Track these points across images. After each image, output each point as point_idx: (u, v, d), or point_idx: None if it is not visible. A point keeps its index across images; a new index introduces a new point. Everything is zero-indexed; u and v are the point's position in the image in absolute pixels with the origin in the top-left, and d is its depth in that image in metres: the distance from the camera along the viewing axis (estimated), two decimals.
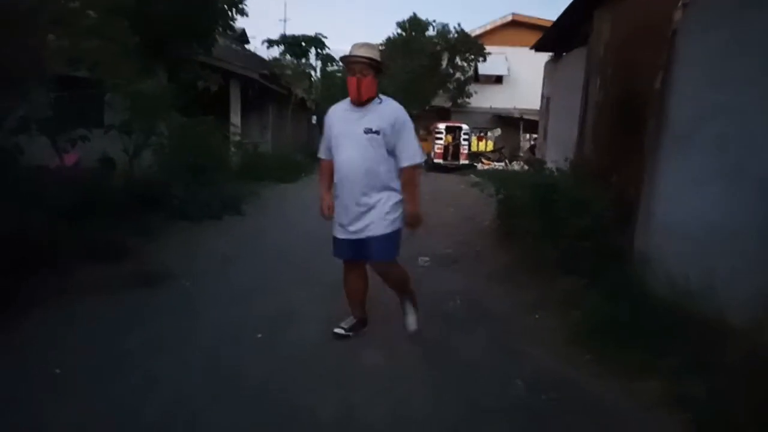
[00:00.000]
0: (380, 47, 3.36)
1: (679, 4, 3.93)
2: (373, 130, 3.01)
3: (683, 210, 3.72)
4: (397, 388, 2.77)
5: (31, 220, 3.80)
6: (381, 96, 3.13)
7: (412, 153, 3.09)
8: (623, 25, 5.16)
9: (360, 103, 3.06)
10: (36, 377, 2.71)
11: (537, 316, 3.86)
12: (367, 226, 3.06)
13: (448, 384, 2.84)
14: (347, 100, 3.16)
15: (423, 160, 3.18)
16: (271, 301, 4.00)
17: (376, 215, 3.06)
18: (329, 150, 3.22)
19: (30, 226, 3.75)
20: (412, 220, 3.14)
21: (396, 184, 3.12)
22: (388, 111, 3.08)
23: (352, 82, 3.03)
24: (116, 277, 4.16)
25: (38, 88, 4.63)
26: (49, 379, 2.69)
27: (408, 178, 3.11)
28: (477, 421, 2.52)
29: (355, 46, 3.10)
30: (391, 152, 3.07)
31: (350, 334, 3.33)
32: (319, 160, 3.34)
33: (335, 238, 3.24)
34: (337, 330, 3.31)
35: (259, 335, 3.38)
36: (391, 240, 3.12)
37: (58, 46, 4.64)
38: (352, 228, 3.10)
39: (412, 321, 3.42)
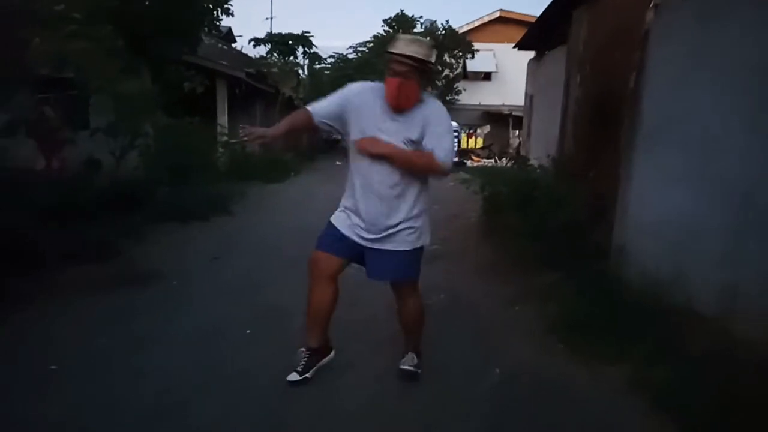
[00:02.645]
0: (434, 48, 2.59)
1: (651, 5, 4.06)
2: (413, 140, 2.47)
3: (655, 207, 3.85)
4: (380, 377, 2.89)
5: (20, 221, 3.85)
6: (426, 98, 2.55)
7: (446, 151, 2.47)
8: (600, 25, 5.30)
9: (398, 110, 2.48)
10: (28, 371, 2.79)
11: (516, 309, 3.98)
12: (388, 238, 2.56)
13: (428, 372, 2.94)
14: (381, 89, 2.51)
15: (449, 167, 2.50)
16: (260, 298, 4.08)
17: (404, 234, 2.58)
18: (325, 116, 2.57)
19: (19, 226, 3.80)
20: (367, 141, 2.46)
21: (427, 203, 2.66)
22: (425, 113, 2.49)
23: (392, 84, 2.42)
24: (105, 276, 4.23)
25: (25, 91, 4.67)
26: (42, 373, 2.77)
27: (426, 157, 2.45)
28: (455, 407, 2.63)
29: (404, 40, 2.46)
30: None
31: (308, 376, 2.75)
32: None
33: (333, 227, 2.64)
34: (290, 378, 2.73)
35: (248, 330, 3.46)
36: (416, 256, 2.67)
37: (44, 49, 4.67)
38: (367, 235, 2.57)
39: (409, 363, 2.87)
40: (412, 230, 2.59)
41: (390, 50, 2.45)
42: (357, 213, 2.59)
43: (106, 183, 6.12)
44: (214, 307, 3.89)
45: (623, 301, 3.48)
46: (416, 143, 2.47)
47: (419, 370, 2.85)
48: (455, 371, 3.00)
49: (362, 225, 2.57)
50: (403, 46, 2.42)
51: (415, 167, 2.51)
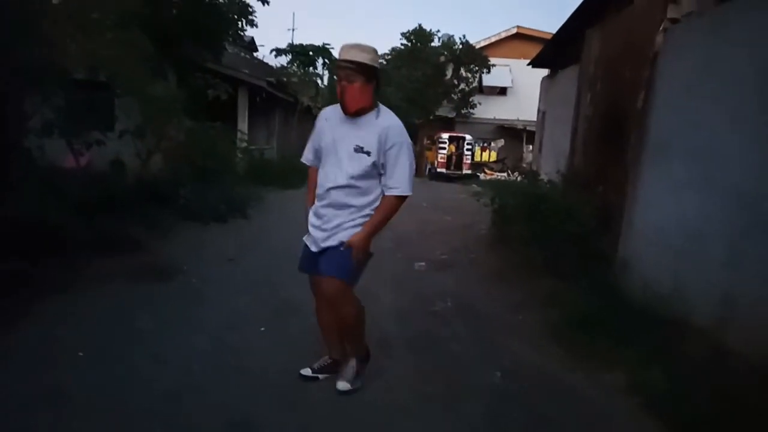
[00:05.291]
0: (377, 52, 2.65)
1: (660, 28, 4.22)
2: (364, 149, 2.56)
3: (659, 219, 3.98)
4: (385, 374, 3.04)
5: (52, 214, 4.09)
6: (381, 107, 2.64)
7: (400, 180, 2.58)
8: (611, 45, 5.45)
9: (349, 114, 2.60)
10: (57, 351, 3.00)
11: (520, 316, 4.11)
12: (329, 237, 2.65)
13: (432, 371, 3.10)
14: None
15: (408, 192, 2.61)
16: (274, 298, 4.26)
17: (345, 231, 2.63)
18: (317, 156, 2.77)
19: (51, 219, 4.04)
20: (356, 243, 2.56)
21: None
22: (381, 127, 2.57)
23: (338, 89, 2.59)
24: (129, 268, 4.46)
25: (59, 92, 4.93)
26: (71, 353, 2.98)
27: (385, 205, 2.61)
28: (453, 403, 2.77)
29: (344, 47, 2.58)
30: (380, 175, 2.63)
31: (319, 376, 2.89)
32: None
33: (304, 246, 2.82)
34: (303, 371, 2.90)
35: (263, 328, 3.63)
36: (346, 256, 2.61)
37: (80, 53, 4.95)
38: (316, 235, 2.70)
39: (346, 378, 2.82)
40: (346, 229, 2.63)
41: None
42: (312, 219, 2.74)
43: (131, 182, 6.38)
44: (230, 303, 4.08)
45: (624, 309, 3.61)
46: (369, 155, 2.56)
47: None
48: (456, 371, 3.14)
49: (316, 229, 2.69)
50: (343, 52, 2.57)
51: (386, 221, 2.63)
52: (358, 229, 2.62)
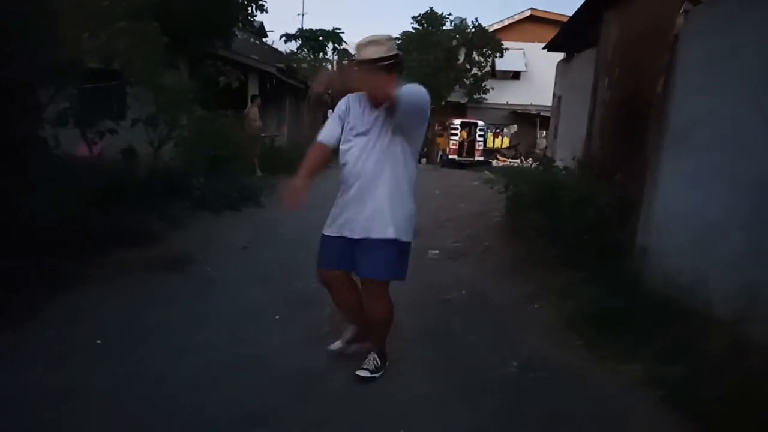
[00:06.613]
0: (392, 38, 2.78)
1: (681, 10, 4.10)
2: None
3: (679, 208, 3.90)
4: (401, 364, 3.02)
5: (67, 205, 4.11)
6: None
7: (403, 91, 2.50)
8: (630, 28, 5.32)
9: (377, 104, 2.64)
10: (74, 344, 3.04)
11: (536, 306, 4.08)
12: (366, 222, 2.64)
13: (446, 362, 3.09)
14: (363, 95, 2.72)
15: (400, 98, 2.49)
16: (289, 286, 4.27)
17: (385, 214, 2.63)
18: (334, 137, 2.75)
19: (66, 211, 4.06)
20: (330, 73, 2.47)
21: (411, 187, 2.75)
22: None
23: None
24: (145, 260, 4.47)
25: (74, 82, 4.94)
26: (91, 346, 3.02)
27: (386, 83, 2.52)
28: (470, 395, 2.76)
29: (360, 45, 2.67)
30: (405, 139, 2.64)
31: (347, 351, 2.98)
32: (336, 155, 2.77)
33: (324, 237, 2.85)
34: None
35: (277, 316, 3.65)
36: (400, 252, 2.69)
37: (92, 44, 4.95)
38: (343, 220, 2.72)
39: (366, 367, 2.81)
40: (391, 218, 2.65)
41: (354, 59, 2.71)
42: (342, 206, 2.76)
43: (144, 172, 6.39)
44: (245, 292, 4.09)
45: (643, 301, 3.55)
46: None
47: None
48: (472, 362, 3.12)
49: (347, 216, 2.72)
50: (359, 52, 2.66)
51: (371, 83, 2.57)
52: (407, 222, 2.72)
